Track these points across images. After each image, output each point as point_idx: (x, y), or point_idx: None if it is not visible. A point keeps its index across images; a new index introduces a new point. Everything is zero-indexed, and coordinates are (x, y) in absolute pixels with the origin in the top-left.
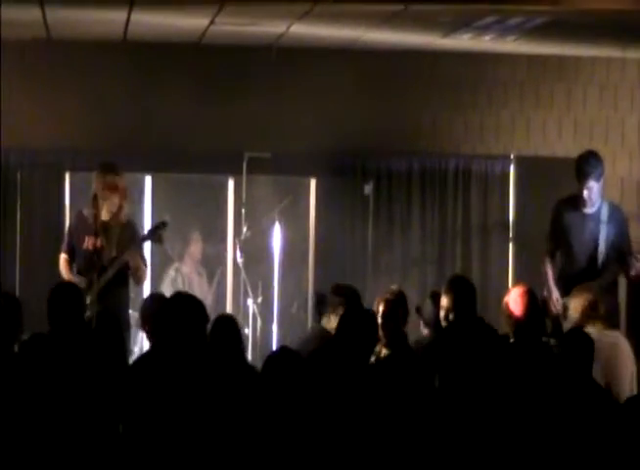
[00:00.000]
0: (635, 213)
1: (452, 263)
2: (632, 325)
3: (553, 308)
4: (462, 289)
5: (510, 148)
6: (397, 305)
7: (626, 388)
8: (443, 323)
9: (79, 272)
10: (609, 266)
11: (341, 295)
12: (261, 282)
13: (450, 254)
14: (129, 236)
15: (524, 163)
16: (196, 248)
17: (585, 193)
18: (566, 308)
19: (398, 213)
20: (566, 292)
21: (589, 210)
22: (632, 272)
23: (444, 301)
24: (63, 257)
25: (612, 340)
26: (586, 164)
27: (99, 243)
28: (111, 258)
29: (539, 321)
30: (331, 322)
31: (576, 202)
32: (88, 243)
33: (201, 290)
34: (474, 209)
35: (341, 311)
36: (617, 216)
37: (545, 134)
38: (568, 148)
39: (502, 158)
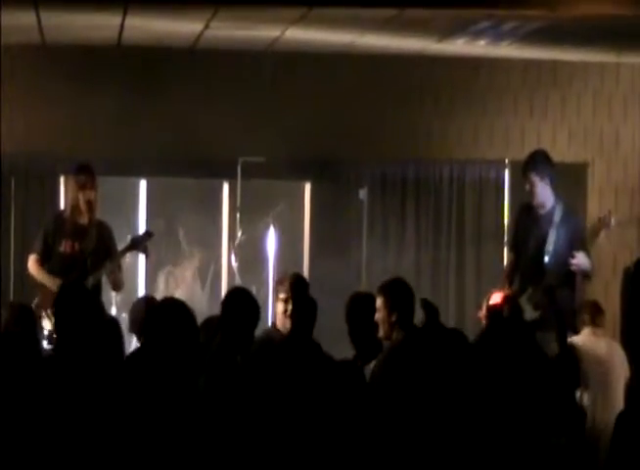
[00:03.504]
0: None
1: (447, 269)
2: (626, 331)
3: None
4: (396, 290)
5: (504, 154)
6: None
7: (621, 393)
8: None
9: (54, 276)
10: (556, 266)
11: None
12: (256, 286)
13: (445, 259)
14: (106, 239)
15: (518, 168)
16: (193, 263)
17: (527, 187)
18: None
19: (392, 219)
20: (518, 292)
21: (540, 211)
22: (572, 268)
23: (377, 302)
24: (33, 256)
25: (608, 346)
26: (530, 160)
27: (76, 247)
28: (90, 263)
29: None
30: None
31: (531, 205)
32: (65, 246)
33: (193, 293)
34: (468, 214)
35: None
36: (571, 219)
37: (539, 140)
38: (562, 153)
39: (496, 163)
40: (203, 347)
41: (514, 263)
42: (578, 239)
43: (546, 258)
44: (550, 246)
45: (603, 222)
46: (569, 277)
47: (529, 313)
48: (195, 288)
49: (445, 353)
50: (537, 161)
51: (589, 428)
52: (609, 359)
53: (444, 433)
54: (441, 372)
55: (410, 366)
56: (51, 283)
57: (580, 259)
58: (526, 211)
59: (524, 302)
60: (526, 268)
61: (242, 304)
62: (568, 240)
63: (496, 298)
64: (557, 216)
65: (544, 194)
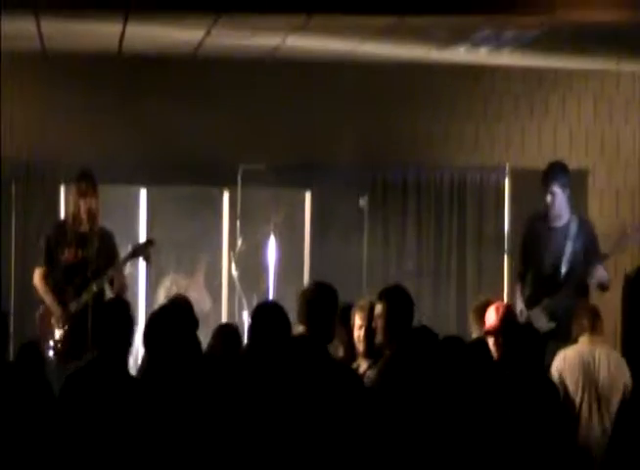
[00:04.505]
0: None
1: (447, 275)
2: (626, 338)
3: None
4: (396, 297)
5: (505, 159)
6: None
7: (618, 401)
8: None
9: (57, 285)
10: (572, 278)
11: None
12: (256, 295)
13: (445, 265)
14: (109, 247)
15: (519, 174)
16: (193, 271)
17: (549, 198)
18: (529, 320)
19: (393, 225)
20: (531, 303)
21: (557, 222)
22: (590, 280)
23: (377, 308)
24: (40, 270)
25: (606, 353)
26: (551, 171)
27: (79, 254)
28: (92, 270)
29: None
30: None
31: (546, 216)
32: (68, 254)
33: (197, 300)
34: (469, 220)
35: None
36: (587, 231)
37: (540, 145)
38: (563, 159)
39: (497, 169)
40: (225, 354)
41: (523, 275)
42: (594, 251)
43: (563, 270)
44: (567, 258)
45: (630, 235)
46: (583, 288)
47: (545, 324)
48: (196, 295)
49: (442, 362)
50: (558, 172)
51: (585, 435)
52: (607, 366)
53: (442, 440)
54: (439, 380)
55: (407, 374)
56: (50, 302)
57: (599, 273)
58: (539, 223)
59: (538, 312)
60: (541, 280)
61: (272, 319)
62: (583, 252)
63: (491, 317)
64: (572, 229)
65: (563, 205)
